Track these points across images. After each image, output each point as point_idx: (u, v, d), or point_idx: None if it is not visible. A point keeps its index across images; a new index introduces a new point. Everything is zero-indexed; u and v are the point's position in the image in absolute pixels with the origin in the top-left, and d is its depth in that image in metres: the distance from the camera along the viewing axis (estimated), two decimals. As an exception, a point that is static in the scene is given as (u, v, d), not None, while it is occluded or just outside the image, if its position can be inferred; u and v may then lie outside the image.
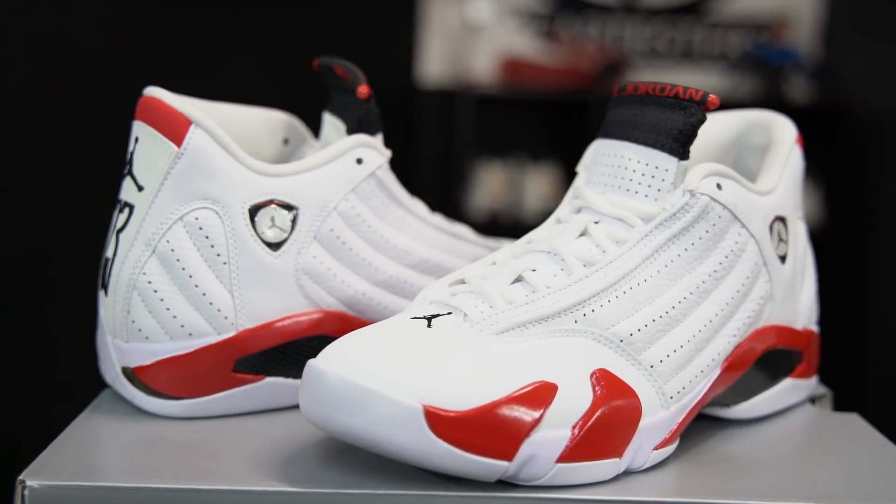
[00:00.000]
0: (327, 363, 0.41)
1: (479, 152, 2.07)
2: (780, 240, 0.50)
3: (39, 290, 1.85)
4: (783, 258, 0.50)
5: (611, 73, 2.10)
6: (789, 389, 0.53)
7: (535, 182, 2.10)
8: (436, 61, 2.15)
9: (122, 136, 0.53)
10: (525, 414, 0.40)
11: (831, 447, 0.49)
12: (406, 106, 2.07)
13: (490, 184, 2.09)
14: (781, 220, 0.50)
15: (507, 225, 1.96)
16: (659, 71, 2.25)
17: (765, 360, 0.50)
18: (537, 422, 0.40)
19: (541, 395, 0.41)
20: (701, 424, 0.49)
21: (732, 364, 0.47)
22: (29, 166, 1.83)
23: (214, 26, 1.90)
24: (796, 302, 0.52)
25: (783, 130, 0.53)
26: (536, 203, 2.08)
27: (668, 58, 2.28)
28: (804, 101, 2.17)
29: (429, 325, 0.43)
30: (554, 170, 2.13)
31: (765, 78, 2.20)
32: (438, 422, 0.39)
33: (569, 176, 2.13)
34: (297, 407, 0.50)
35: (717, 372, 0.47)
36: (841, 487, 0.43)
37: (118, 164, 0.52)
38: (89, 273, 0.84)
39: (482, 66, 2.09)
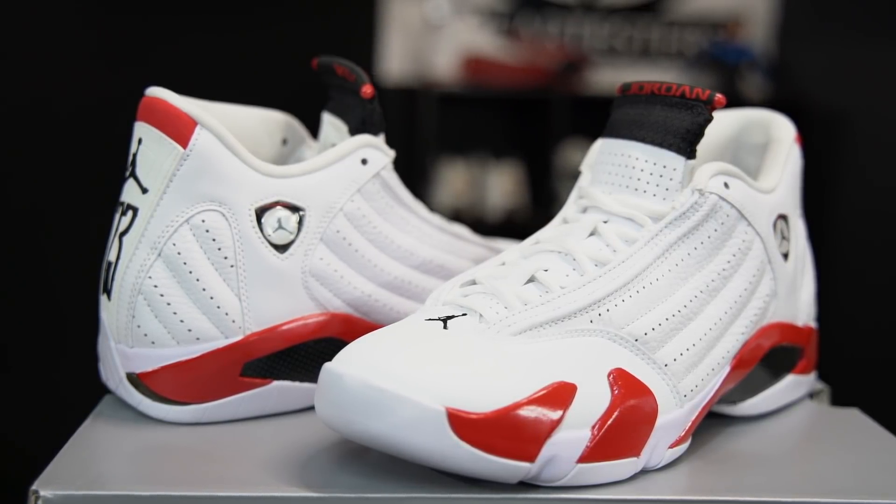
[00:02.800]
0: (345, 366, 0.41)
1: (441, 150, 2.07)
2: (783, 237, 0.51)
3: (38, 294, 1.82)
4: (786, 256, 0.51)
5: (571, 70, 2.12)
6: (792, 385, 0.53)
7: (498, 180, 2.10)
8: (396, 59, 2.15)
9: (120, 137, 0.52)
10: (546, 414, 0.40)
11: (838, 442, 0.49)
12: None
13: (453, 182, 2.09)
14: (783, 217, 0.51)
15: (470, 223, 1.94)
16: (618, 69, 2.26)
17: (768, 357, 0.51)
18: (558, 422, 0.40)
19: (561, 395, 0.41)
20: (707, 422, 0.49)
21: (741, 361, 0.48)
22: (26, 170, 1.80)
23: (176, 29, 1.88)
24: (797, 299, 0.53)
25: (782, 129, 0.54)
26: (499, 201, 2.09)
27: (626, 56, 2.30)
28: (759, 98, 2.20)
29: (445, 327, 0.43)
30: (516, 167, 2.14)
31: (721, 75, 2.22)
32: (461, 424, 0.39)
33: (532, 173, 2.14)
34: (304, 411, 0.50)
35: (727, 369, 0.47)
36: (853, 482, 0.44)
37: (117, 165, 0.51)
38: (89, 277, 0.82)
39: (443, 63, 2.09)
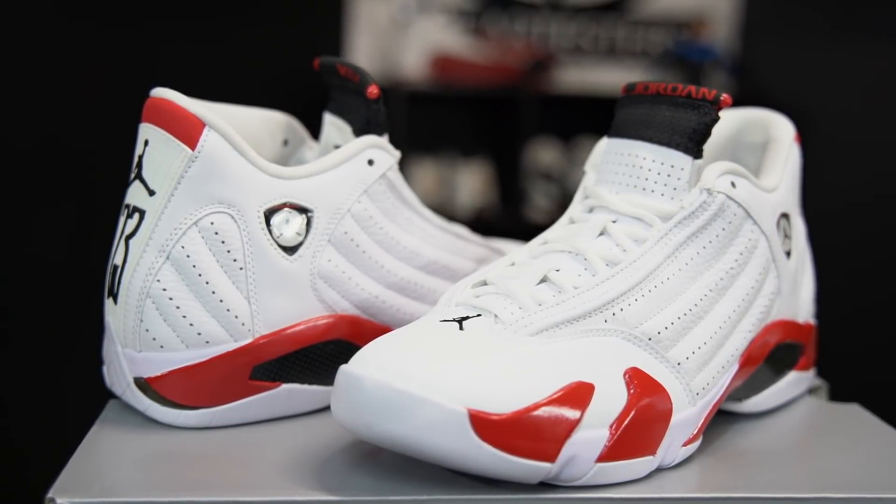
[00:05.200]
0: (363, 368, 0.40)
1: (410, 149, 2.07)
2: (786, 236, 0.51)
3: (39, 298, 1.80)
4: (788, 254, 0.51)
5: (539, 69, 2.12)
6: (794, 382, 0.54)
7: (467, 178, 2.10)
8: (364, 58, 2.14)
9: (115, 139, 0.51)
10: (566, 414, 0.40)
11: (842, 437, 0.50)
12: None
13: (422, 181, 2.09)
14: (786, 216, 0.51)
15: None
16: (584, 68, 2.28)
17: (772, 355, 0.51)
18: (577, 422, 0.40)
19: (579, 395, 0.41)
20: (714, 419, 0.50)
21: (749, 359, 0.48)
22: (26, 173, 1.78)
23: (142, 33, 1.86)
24: (799, 297, 0.53)
25: (782, 129, 0.55)
26: (468, 199, 2.09)
27: (592, 54, 2.31)
28: (724, 96, 2.22)
29: (461, 328, 0.43)
30: (485, 166, 2.14)
31: (685, 74, 2.24)
32: (483, 425, 0.39)
33: (500, 172, 2.14)
34: (313, 413, 0.50)
35: (736, 367, 0.47)
36: (862, 477, 0.45)
37: (118, 167, 0.50)
38: (90, 281, 0.81)
39: (411, 62, 2.09)
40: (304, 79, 2.03)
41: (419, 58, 2.09)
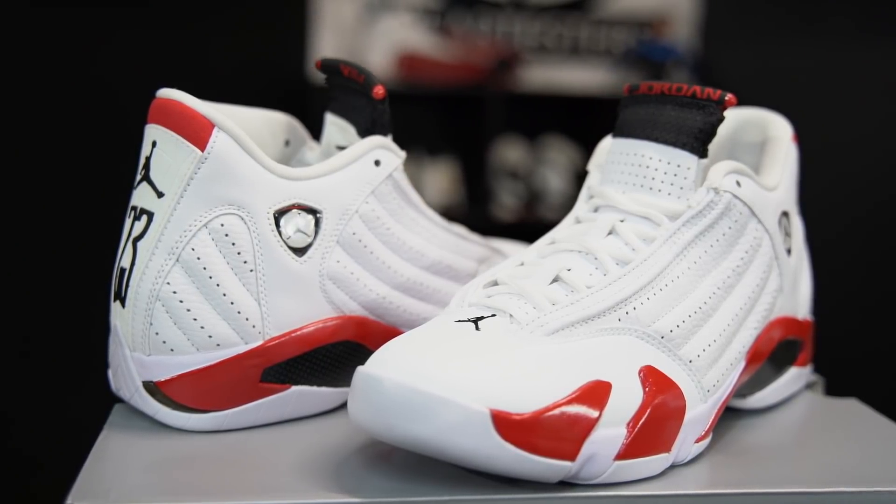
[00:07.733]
0: (383, 369, 0.40)
1: (376, 148, 2.06)
2: (786, 234, 0.52)
3: (39, 301, 1.77)
4: (788, 252, 0.52)
5: (504, 68, 2.13)
6: (794, 378, 0.55)
7: (433, 177, 2.10)
8: (329, 56, 2.13)
9: (114, 139, 0.51)
10: (585, 413, 0.40)
11: (845, 432, 0.51)
12: (299, 102, 2.04)
13: (388, 180, 2.08)
14: (786, 214, 0.52)
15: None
16: (548, 66, 2.28)
17: (774, 351, 0.52)
18: (596, 420, 0.41)
19: (597, 394, 0.41)
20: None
21: (755, 355, 0.49)
22: (27, 176, 1.75)
23: (96, 24, 1.84)
24: (798, 294, 0.54)
25: (780, 128, 0.55)
26: (435, 198, 2.09)
27: (556, 53, 2.32)
28: (686, 95, 2.24)
29: (476, 328, 0.43)
30: (451, 165, 2.14)
31: (648, 73, 2.26)
32: (505, 425, 0.39)
33: (467, 170, 2.14)
34: (321, 415, 0.49)
35: (743, 364, 0.48)
36: (870, 470, 0.45)
37: (117, 169, 0.50)
38: (93, 284, 0.79)
39: (376, 61, 2.08)
40: (268, 77, 2.02)
41: (384, 56, 2.09)
